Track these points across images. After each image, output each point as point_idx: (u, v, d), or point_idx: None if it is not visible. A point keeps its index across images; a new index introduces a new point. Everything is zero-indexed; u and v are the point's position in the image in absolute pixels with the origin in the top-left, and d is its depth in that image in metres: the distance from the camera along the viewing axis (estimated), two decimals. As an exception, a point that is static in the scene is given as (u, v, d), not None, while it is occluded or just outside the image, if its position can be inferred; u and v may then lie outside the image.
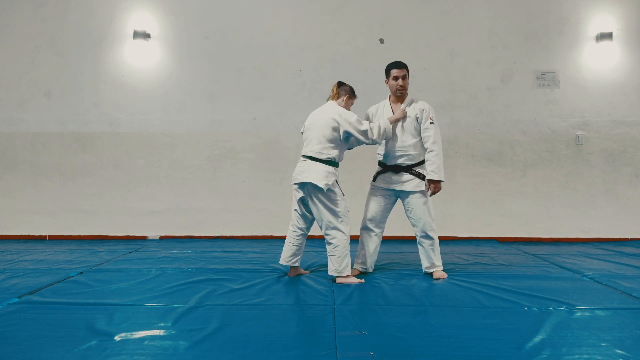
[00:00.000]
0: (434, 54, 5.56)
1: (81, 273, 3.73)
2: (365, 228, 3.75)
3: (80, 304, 2.90)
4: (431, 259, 3.67)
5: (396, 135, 3.62)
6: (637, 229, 5.47)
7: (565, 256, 4.55)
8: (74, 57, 5.58)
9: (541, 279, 3.59)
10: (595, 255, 4.59)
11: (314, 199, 3.43)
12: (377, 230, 3.74)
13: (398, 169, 3.62)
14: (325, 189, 3.37)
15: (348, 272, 3.46)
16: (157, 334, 2.42)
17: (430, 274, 3.68)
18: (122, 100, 5.57)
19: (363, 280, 3.50)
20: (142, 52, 5.56)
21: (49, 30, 5.57)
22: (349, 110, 3.62)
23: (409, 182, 3.60)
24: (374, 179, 3.76)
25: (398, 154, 3.62)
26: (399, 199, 3.73)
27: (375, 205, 3.71)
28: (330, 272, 3.48)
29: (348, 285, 3.40)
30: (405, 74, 3.65)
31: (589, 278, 3.64)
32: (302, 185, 3.47)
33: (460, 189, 5.54)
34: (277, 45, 5.57)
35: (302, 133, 3.65)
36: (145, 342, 2.31)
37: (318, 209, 3.44)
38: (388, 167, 3.67)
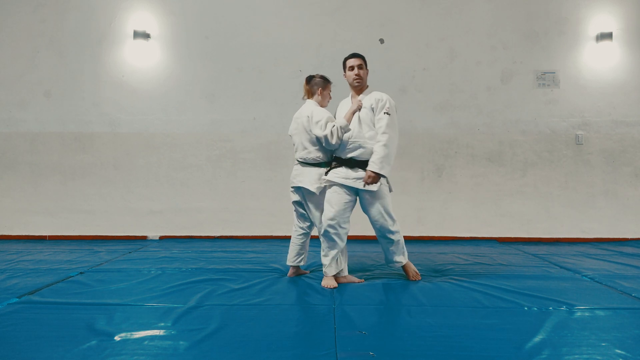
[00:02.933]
0: (434, 54, 5.56)
1: (81, 273, 3.73)
2: (327, 228, 3.38)
3: (80, 304, 2.90)
4: (392, 256, 3.52)
5: (354, 126, 3.40)
6: (637, 229, 5.47)
7: (565, 256, 4.55)
8: (74, 57, 5.57)
9: (541, 279, 3.58)
10: (595, 255, 4.59)
11: (308, 201, 3.48)
12: (339, 230, 3.39)
13: (353, 164, 3.39)
14: (317, 192, 3.40)
15: (344, 272, 3.47)
16: (157, 334, 2.42)
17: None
18: (122, 100, 5.57)
19: (363, 280, 3.51)
20: (142, 52, 5.55)
21: (49, 30, 5.57)
22: (330, 98, 3.60)
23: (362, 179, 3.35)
24: (326, 173, 3.45)
25: (352, 145, 3.38)
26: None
27: (335, 203, 3.37)
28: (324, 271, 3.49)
29: (348, 285, 3.40)
30: (362, 64, 3.48)
31: (589, 278, 3.64)
32: (297, 189, 3.52)
33: (460, 189, 5.54)
34: (277, 45, 5.57)
35: (291, 136, 3.66)
36: (145, 342, 2.30)
37: (311, 210, 3.48)
38: (342, 161, 3.42)
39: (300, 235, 3.64)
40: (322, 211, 3.44)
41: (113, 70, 5.57)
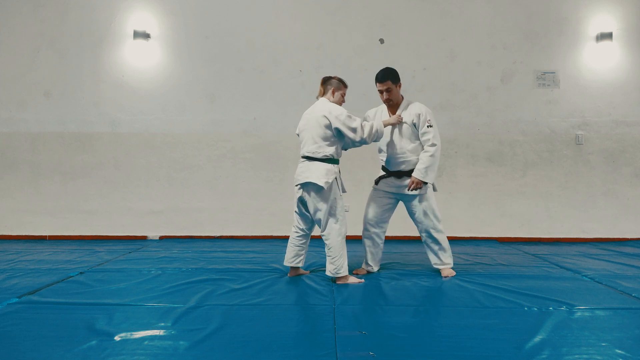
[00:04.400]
0: (434, 54, 5.56)
1: (81, 273, 3.73)
2: (365, 229, 3.76)
3: (80, 304, 2.90)
4: (439, 257, 3.71)
5: (394, 142, 3.62)
6: (637, 229, 5.47)
7: (565, 256, 4.55)
8: (74, 57, 5.57)
9: (541, 279, 3.59)
10: (595, 255, 4.59)
11: (313, 198, 3.43)
12: (377, 230, 3.74)
13: (400, 174, 3.64)
14: (325, 187, 3.37)
15: (344, 272, 3.45)
16: (157, 334, 2.43)
17: (439, 271, 3.72)
18: (122, 100, 5.57)
19: (363, 280, 3.51)
20: (142, 52, 5.55)
21: (49, 30, 5.57)
22: (342, 100, 3.60)
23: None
24: (377, 182, 3.77)
25: (399, 160, 3.63)
26: (400, 202, 3.76)
27: (375, 206, 3.73)
28: (327, 273, 3.49)
29: (348, 285, 3.40)
30: (389, 87, 3.56)
31: (589, 278, 3.64)
32: (304, 185, 3.47)
33: (460, 189, 5.54)
34: (277, 45, 5.57)
35: (298, 135, 3.65)
36: (145, 342, 2.31)
37: (316, 208, 3.44)
38: (390, 173, 3.69)
39: (299, 236, 3.63)
40: (326, 210, 3.42)
41: (113, 70, 5.57)
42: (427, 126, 3.55)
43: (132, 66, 5.57)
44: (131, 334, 2.41)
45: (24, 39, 5.57)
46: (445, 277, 3.63)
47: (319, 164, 3.43)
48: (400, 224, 5.03)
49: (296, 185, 3.54)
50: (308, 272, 3.79)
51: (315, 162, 3.44)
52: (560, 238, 5.49)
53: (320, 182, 3.36)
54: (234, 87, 5.59)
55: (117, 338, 2.35)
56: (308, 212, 3.56)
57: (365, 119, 3.78)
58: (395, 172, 3.66)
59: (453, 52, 5.56)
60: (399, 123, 3.60)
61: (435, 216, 3.65)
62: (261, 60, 5.57)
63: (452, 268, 3.74)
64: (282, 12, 5.58)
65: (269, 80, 5.57)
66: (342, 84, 3.59)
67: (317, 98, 3.63)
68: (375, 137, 3.49)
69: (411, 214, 3.71)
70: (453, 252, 4.62)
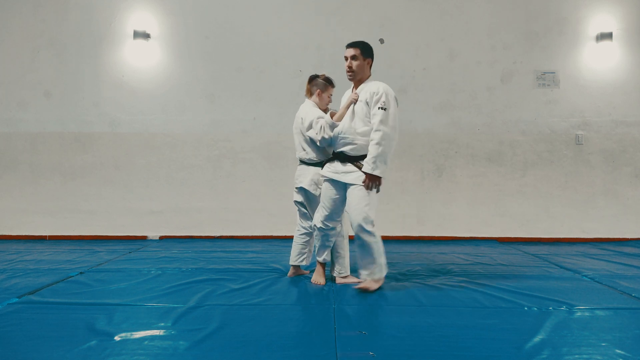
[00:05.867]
0: (434, 54, 5.56)
1: (81, 273, 3.73)
2: (320, 224, 3.36)
3: (80, 304, 2.90)
4: (359, 262, 3.25)
5: (346, 120, 3.23)
6: (637, 229, 5.47)
7: (565, 256, 4.55)
8: (74, 57, 5.57)
9: (541, 279, 3.59)
10: (595, 255, 4.59)
11: (309, 202, 3.52)
12: (331, 224, 3.37)
13: (343, 158, 3.25)
14: (316, 194, 3.44)
15: (346, 272, 3.47)
16: (157, 334, 2.43)
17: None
18: (122, 100, 5.57)
19: (363, 281, 3.50)
20: (142, 52, 5.55)
21: (49, 30, 5.57)
22: (329, 101, 3.56)
23: (350, 173, 3.19)
24: (322, 166, 3.42)
25: (344, 140, 3.23)
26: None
27: (326, 199, 3.31)
28: (330, 272, 3.49)
29: (348, 285, 3.40)
30: (355, 55, 3.20)
31: (589, 278, 3.64)
32: (300, 189, 3.55)
33: (460, 189, 5.54)
34: (277, 45, 5.57)
35: None
36: (145, 342, 2.31)
37: (313, 210, 3.51)
38: (335, 155, 3.32)
39: (302, 234, 3.63)
40: None
41: (113, 70, 5.57)
42: (379, 108, 3.09)
43: (132, 66, 5.57)
44: (131, 334, 2.41)
45: (24, 39, 5.57)
46: (360, 288, 3.18)
47: (310, 169, 3.49)
48: (399, 224, 5.04)
49: (295, 188, 3.60)
50: (308, 272, 3.79)
51: (308, 166, 3.50)
52: (560, 238, 5.49)
53: (310, 189, 3.44)
54: (234, 87, 5.59)
55: (117, 338, 2.35)
56: (308, 212, 3.59)
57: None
58: (337, 154, 3.27)
59: (453, 52, 5.56)
60: (354, 102, 3.23)
61: (369, 213, 3.12)
62: (261, 60, 5.57)
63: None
64: (282, 12, 5.58)
65: (269, 80, 5.57)
66: (328, 85, 3.54)
67: (306, 96, 3.62)
68: (330, 129, 3.26)
69: (347, 205, 3.24)
70: (453, 252, 4.65)
